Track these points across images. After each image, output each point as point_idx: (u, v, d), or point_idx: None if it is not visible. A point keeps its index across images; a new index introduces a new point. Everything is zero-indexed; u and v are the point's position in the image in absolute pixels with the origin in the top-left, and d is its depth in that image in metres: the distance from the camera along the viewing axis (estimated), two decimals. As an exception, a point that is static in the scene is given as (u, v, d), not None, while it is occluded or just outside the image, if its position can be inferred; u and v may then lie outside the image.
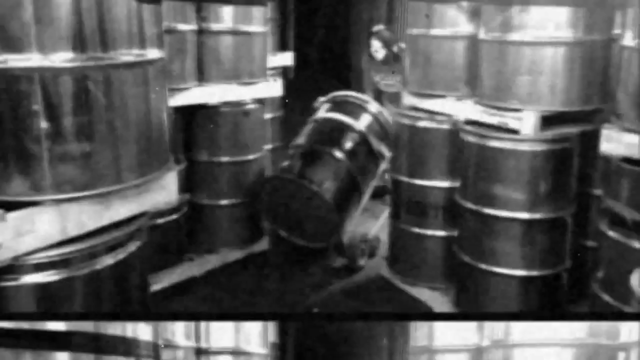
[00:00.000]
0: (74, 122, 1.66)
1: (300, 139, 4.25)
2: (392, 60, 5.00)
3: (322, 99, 4.44)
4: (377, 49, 4.86)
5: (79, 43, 1.65)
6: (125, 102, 1.77)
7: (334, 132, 4.18)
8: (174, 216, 3.96)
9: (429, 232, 3.74)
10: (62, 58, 1.65)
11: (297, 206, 4.00)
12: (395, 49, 5.07)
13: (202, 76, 4.00)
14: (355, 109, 4.28)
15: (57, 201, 1.69)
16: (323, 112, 4.39)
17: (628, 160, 2.58)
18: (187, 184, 4.09)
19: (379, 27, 5.09)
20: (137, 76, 1.80)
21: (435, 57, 3.61)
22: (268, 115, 5.41)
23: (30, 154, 1.65)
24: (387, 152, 4.03)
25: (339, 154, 4.01)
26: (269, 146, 5.29)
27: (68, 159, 1.68)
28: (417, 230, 3.78)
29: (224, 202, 4.32)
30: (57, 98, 1.65)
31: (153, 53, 1.87)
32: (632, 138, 2.55)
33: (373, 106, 4.34)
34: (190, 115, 4.08)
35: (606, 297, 2.63)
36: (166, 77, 2.01)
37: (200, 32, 3.92)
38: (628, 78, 2.59)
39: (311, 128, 4.29)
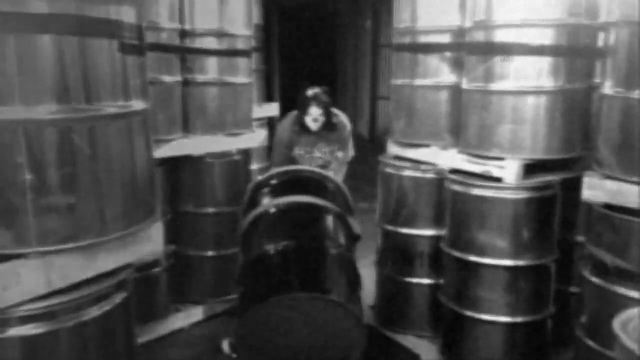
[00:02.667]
0: (58, 173, 1.65)
1: (259, 237, 3.13)
2: (328, 128, 3.89)
3: (260, 177, 3.57)
4: (317, 117, 3.77)
5: (62, 95, 1.66)
6: (110, 153, 1.78)
7: (313, 221, 3.18)
8: (159, 268, 3.92)
9: (415, 280, 3.73)
10: (46, 110, 1.66)
11: (302, 332, 2.69)
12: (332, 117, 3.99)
13: (187, 127, 4.03)
14: (314, 186, 3.41)
15: (42, 253, 1.67)
16: (275, 194, 3.35)
17: (609, 206, 2.62)
18: (172, 235, 4.08)
19: (315, 90, 3.83)
20: (122, 127, 1.81)
21: (419, 106, 3.67)
22: (254, 166, 5.44)
23: (15, 206, 1.63)
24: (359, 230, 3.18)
25: (333, 248, 3.01)
26: None
27: (53, 210, 1.67)
28: (403, 278, 3.77)
29: (209, 253, 4.29)
30: (41, 150, 1.65)
31: (137, 104, 1.89)
32: (613, 185, 2.60)
33: (331, 179, 3.52)
34: (175, 166, 4.09)
35: (590, 342, 2.62)
36: (151, 128, 2.01)
37: (186, 83, 3.98)
38: (608, 126, 2.66)
39: (274, 218, 3.17)
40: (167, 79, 3.76)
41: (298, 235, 3.04)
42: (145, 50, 1.95)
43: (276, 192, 3.36)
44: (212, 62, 4.05)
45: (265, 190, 3.42)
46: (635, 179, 2.51)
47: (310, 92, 3.84)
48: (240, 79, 4.21)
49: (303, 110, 3.83)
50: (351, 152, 4.14)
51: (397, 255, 3.81)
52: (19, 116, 1.63)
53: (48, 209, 1.66)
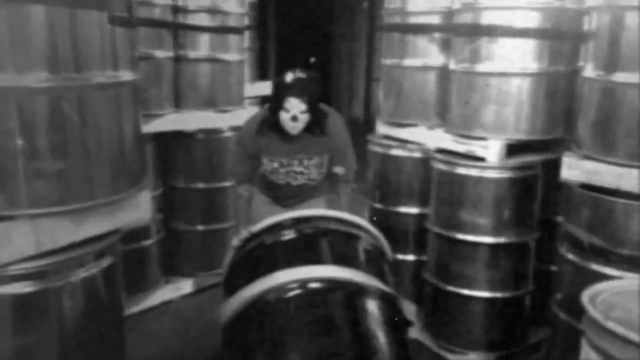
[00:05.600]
0: (48, 140, 1.72)
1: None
2: (315, 132, 2.79)
3: (252, 229, 2.54)
4: (297, 115, 2.63)
5: (53, 64, 1.72)
6: (98, 121, 1.84)
7: (349, 314, 2.17)
8: (151, 240, 3.99)
9: (400, 256, 3.81)
10: (36, 78, 1.71)
11: None
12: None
13: (178, 103, 4.07)
14: (335, 243, 2.51)
15: (32, 216, 1.74)
16: (272, 264, 2.32)
17: (587, 186, 2.70)
18: (163, 210, 4.15)
19: (296, 74, 2.67)
20: (110, 97, 1.87)
21: (407, 87, 3.73)
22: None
23: (6, 170, 1.70)
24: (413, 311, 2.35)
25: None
26: None
27: (43, 175, 1.73)
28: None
29: (199, 227, 4.36)
30: (32, 116, 1.71)
31: (126, 75, 1.95)
32: (591, 165, 2.67)
33: (365, 227, 2.65)
34: (166, 141, 4.14)
35: (565, 317, 2.72)
36: (139, 99, 2.07)
37: (177, 59, 4.01)
38: (587, 108, 2.72)
39: (288, 312, 2.15)
40: (159, 54, 3.80)
41: (329, 343, 1.98)
42: (134, 23, 2.00)
43: (274, 259, 2.36)
44: (204, 39, 4.08)
45: (255, 259, 2.46)
46: (611, 159, 2.58)
47: (289, 76, 2.64)
48: (232, 56, 4.25)
49: (277, 104, 2.65)
50: (354, 165, 2.99)
51: (383, 232, 3.89)
52: (10, 83, 1.68)
53: (38, 174, 1.73)
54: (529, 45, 3.08)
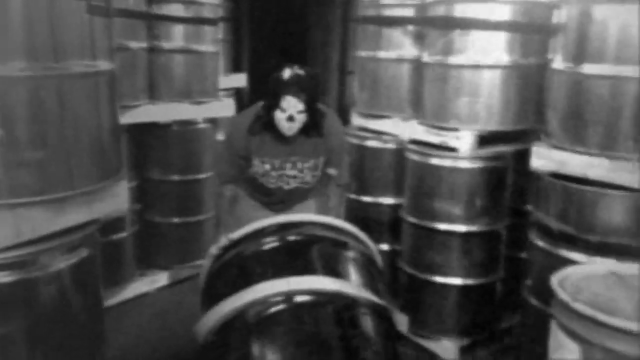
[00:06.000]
0: (27, 129, 1.73)
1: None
2: (311, 133, 2.64)
3: (231, 236, 2.31)
4: (294, 115, 2.48)
5: (31, 53, 1.71)
6: (77, 111, 1.84)
7: (342, 328, 2.00)
8: (125, 233, 3.98)
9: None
10: (15, 67, 1.71)
11: None
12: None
13: (153, 94, 4.05)
14: (338, 254, 2.32)
15: (12, 205, 1.74)
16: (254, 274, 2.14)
17: (556, 175, 2.79)
18: (139, 202, 4.13)
19: (294, 70, 2.52)
20: (88, 86, 1.88)
21: (381, 79, 3.77)
22: (221, 137, 5.48)
23: (-15, 160, 1.69)
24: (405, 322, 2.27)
25: None
26: None
27: (22, 165, 1.74)
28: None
29: (174, 220, 4.36)
30: (11, 106, 1.71)
31: (104, 64, 1.95)
32: (559, 155, 2.75)
33: (356, 237, 2.45)
34: (141, 133, 4.12)
35: (535, 302, 2.80)
36: (116, 89, 2.07)
37: (152, 50, 3.99)
38: (556, 99, 2.80)
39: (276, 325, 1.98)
40: (133, 45, 3.77)
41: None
42: (111, 12, 2.00)
43: (255, 270, 2.17)
44: (178, 30, 4.06)
45: (235, 269, 2.27)
46: (579, 149, 2.66)
47: (286, 73, 2.47)
48: (207, 47, 4.24)
49: (273, 102, 2.48)
50: (347, 169, 2.95)
51: (358, 223, 3.93)
52: (-13, 72, 1.68)
53: (18, 163, 1.73)
54: (500, 38, 3.15)
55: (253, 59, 8.31)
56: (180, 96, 4.15)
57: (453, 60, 3.23)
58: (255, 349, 1.88)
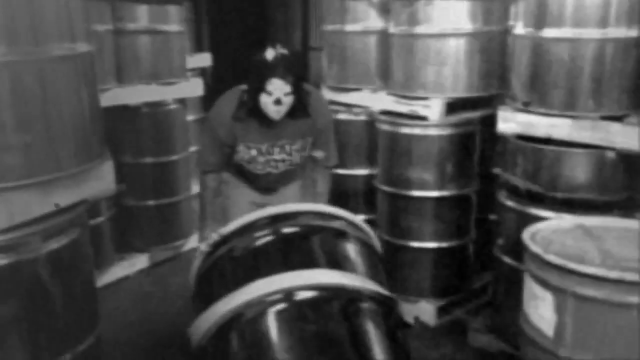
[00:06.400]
0: (12, 113, 1.74)
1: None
2: (297, 115, 2.50)
3: (222, 231, 2.20)
4: (281, 98, 2.35)
5: (12, 37, 1.72)
6: (59, 93, 1.87)
7: (346, 325, 1.89)
8: (102, 218, 3.98)
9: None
10: (-4, 52, 1.72)
11: None
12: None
13: (121, 77, 4.03)
14: (338, 244, 2.20)
15: (2, 189, 1.77)
16: (249, 271, 2.04)
17: (522, 137, 2.91)
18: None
19: (279, 50, 2.38)
20: (69, 68, 1.89)
21: (349, 52, 3.84)
22: (190, 117, 5.47)
23: (-26, 145, 1.71)
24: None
25: None
26: (192, 148, 5.31)
27: (10, 149, 1.76)
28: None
29: (150, 202, 4.37)
30: (-5, 90, 1.73)
31: (82, 47, 1.97)
32: (524, 117, 2.88)
33: (352, 223, 2.31)
34: (111, 116, 4.09)
35: (506, 260, 2.94)
36: (95, 70, 2.09)
37: (117, 32, 3.96)
38: (519, 63, 2.91)
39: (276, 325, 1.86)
40: (99, 28, 3.73)
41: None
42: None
43: (250, 266, 2.06)
44: (142, 10, 4.04)
45: (227, 267, 2.14)
46: (542, 110, 2.79)
47: (269, 54, 2.33)
48: (172, 27, 4.23)
49: (258, 86, 2.34)
50: (335, 150, 2.79)
51: (334, 195, 4.02)
52: (-30, 58, 1.68)
53: (5, 148, 1.75)
54: (463, 6, 3.25)
55: (214, 39, 8.23)
56: (148, 78, 4.14)
57: (418, 30, 3.32)
58: (255, 354, 1.77)
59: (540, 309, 2.13)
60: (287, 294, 1.82)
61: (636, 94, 2.66)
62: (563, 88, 2.73)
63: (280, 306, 1.82)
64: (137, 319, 3.64)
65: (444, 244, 3.49)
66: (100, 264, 4.00)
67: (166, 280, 4.21)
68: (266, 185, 2.75)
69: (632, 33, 2.61)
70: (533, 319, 2.18)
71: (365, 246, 2.23)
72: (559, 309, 2.06)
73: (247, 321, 1.81)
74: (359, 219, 2.35)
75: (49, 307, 1.92)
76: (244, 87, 2.48)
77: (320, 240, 2.14)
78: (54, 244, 1.90)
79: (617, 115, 2.66)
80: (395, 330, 1.99)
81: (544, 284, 2.11)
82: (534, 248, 2.16)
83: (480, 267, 3.69)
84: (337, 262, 2.08)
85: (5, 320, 1.83)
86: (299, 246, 2.11)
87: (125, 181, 4.24)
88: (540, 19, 2.76)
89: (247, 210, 2.47)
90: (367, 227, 2.34)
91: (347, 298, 1.88)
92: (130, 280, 4.18)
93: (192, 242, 4.62)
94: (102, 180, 2.07)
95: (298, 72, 2.42)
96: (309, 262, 2.00)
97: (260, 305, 1.81)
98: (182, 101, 4.47)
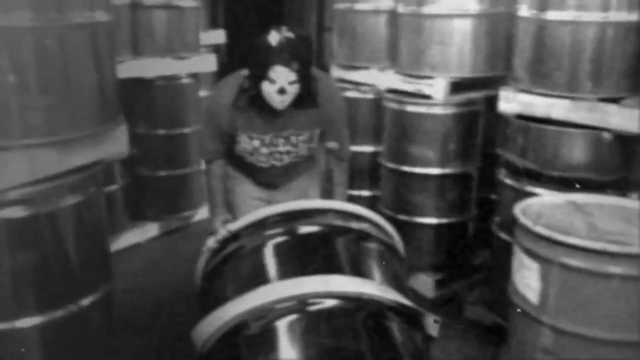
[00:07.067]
0: (36, 76, 1.88)
1: None
2: (304, 104, 2.28)
3: (231, 227, 2.13)
4: (285, 87, 2.14)
5: (36, 4, 1.85)
6: (78, 58, 2.00)
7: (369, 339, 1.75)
8: (116, 186, 4.13)
9: (356, 192, 4.05)
10: (22, 18, 1.85)
11: None
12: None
13: (136, 50, 4.14)
14: (357, 247, 2.03)
15: (25, 146, 1.92)
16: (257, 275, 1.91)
17: (522, 117, 3.00)
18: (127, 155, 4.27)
19: (284, 34, 2.12)
20: (88, 35, 2.03)
21: (359, 30, 3.93)
22: (203, 93, 5.60)
23: (2, 105, 1.86)
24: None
25: None
26: None
27: (33, 108, 1.90)
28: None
29: (162, 173, 4.51)
30: (21, 54, 1.86)
31: (102, 16, 2.09)
32: (525, 97, 2.96)
33: (374, 223, 2.17)
34: (126, 88, 4.21)
35: (503, 235, 3.05)
36: (113, 38, 2.23)
37: (133, 6, 4.07)
38: (522, 44, 2.99)
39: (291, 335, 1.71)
40: (117, 1, 3.84)
41: None
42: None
43: (260, 268, 1.90)
44: (158, -15, 4.14)
45: (236, 267, 2.00)
46: (543, 91, 2.87)
47: (273, 38, 2.10)
48: (187, 2, 4.33)
49: (260, 73, 2.14)
50: (348, 140, 2.63)
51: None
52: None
53: (29, 107, 1.89)
54: (470, -12, 3.32)
55: (229, 16, 8.29)
56: (163, 52, 4.25)
57: (426, 10, 3.40)
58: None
59: (527, 278, 2.24)
60: (300, 302, 1.65)
61: (634, 77, 2.73)
62: (563, 70, 2.80)
63: (291, 318, 1.65)
64: (147, 283, 3.81)
65: (444, 220, 3.60)
66: (114, 230, 4.14)
67: (176, 248, 4.37)
68: (270, 179, 2.56)
69: (633, 17, 2.67)
70: (520, 288, 2.30)
71: (388, 249, 2.06)
72: (544, 278, 2.17)
73: (253, 331, 1.66)
74: (381, 219, 2.16)
75: (65, 257, 2.08)
76: (244, 72, 2.26)
77: (339, 243, 1.95)
78: (71, 200, 2.05)
79: (614, 97, 2.74)
80: (419, 346, 1.80)
81: (532, 254, 2.22)
82: (524, 220, 2.27)
83: (480, 245, 3.80)
84: (358, 267, 1.90)
85: (25, 267, 1.98)
86: (314, 248, 1.92)
87: (138, 151, 4.41)
88: (544, 2, 2.83)
89: (253, 207, 2.40)
90: (390, 227, 2.18)
91: (367, 309, 1.69)
92: (142, 247, 4.34)
93: (202, 213, 4.78)
94: (117, 142, 2.20)
95: (305, 58, 2.15)
96: (326, 267, 1.81)
97: (270, 313, 1.65)
98: (195, 76, 4.58)
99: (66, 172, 2.03)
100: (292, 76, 2.12)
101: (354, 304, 1.69)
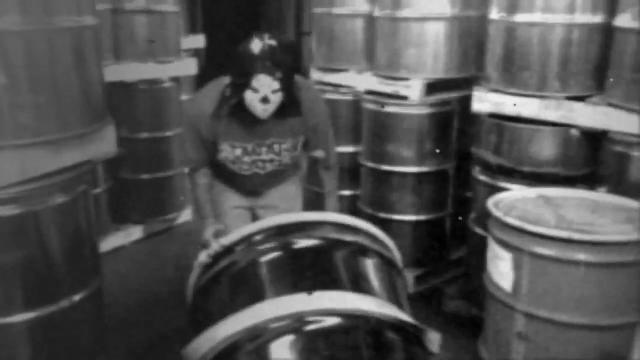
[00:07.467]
0: (26, 77, 1.96)
1: None
2: (287, 112, 2.26)
3: (224, 241, 2.05)
4: (268, 96, 2.12)
5: (25, 9, 1.92)
6: (66, 60, 2.07)
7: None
8: (100, 189, 4.17)
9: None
10: (11, 22, 1.92)
11: None
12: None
13: (118, 54, 4.20)
14: (355, 262, 1.99)
15: (17, 146, 1.99)
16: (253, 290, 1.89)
17: (494, 116, 3.12)
18: (108, 160, 4.31)
19: (266, 41, 2.09)
20: (75, 39, 2.10)
21: (337, 34, 4.03)
22: (184, 97, 5.65)
23: (-7, 106, 1.94)
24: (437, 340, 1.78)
25: None
26: None
27: (24, 109, 1.97)
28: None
29: (145, 176, 4.56)
30: (12, 56, 1.93)
31: (88, 20, 2.17)
32: (496, 97, 3.09)
33: (370, 235, 2.12)
34: (109, 92, 4.25)
35: (478, 230, 3.17)
36: (100, 42, 2.30)
37: (115, 11, 4.13)
38: (493, 47, 3.11)
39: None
40: (99, 7, 3.81)
41: None
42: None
43: (255, 285, 1.88)
44: (139, -10, 4.21)
45: (229, 284, 1.95)
46: (513, 91, 3.00)
47: (256, 46, 2.08)
48: (168, 7, 4.40)
49: (242, 82, 2.12)
50: (334, 147, 2.63)
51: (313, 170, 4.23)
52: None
53: (20, 108, 1.96)
54: (443, -9, 3.45)
55: (207, 21, 8.34)
56: (144, 56, 4.31)
57: (401, 14, 3.51)
58: None
59: (501, 268, 2.35)
60: (296, 321, 1.61)
61: (599, 76, 2.86)
62: (533, 70, 2.93)
63: (286, 339, 1.60)
64: (133, 283, 3.87)
65: (422, 217, 3.71)
66: (98, 233, 4.19)
67: (160, 250, 4.42)
68: (252, 187, 2.55)
69: (597, 19, 2.82)
70: (495, 277, 2.41)
71: (386, 262, 2.01)
72: (517, 267, 2.28)
73: (248, 351, 1.61)
74: (379, 230, 2.11)
75: (56, 254, 2.15)
76: (226, 80, 2.23)
77: (336, 257, 1.90)
78: (61, 199, 2.12)
79: (581, 95, 2.87)
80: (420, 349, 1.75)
81: (505, 244, 2.33)
82: (497, 213, 2.38)
83: (458, 242, 3.91)
84: (356, 282, 1.85)
85: (16, 264, 2.04)
86: (311, 263, 1.87)
87: (121, 155, 4.45)
88: (513, 5, 2.96)
89: (235, 217, 2.46)
90: (387, 238, 2.13)
91: (367, 327, 1.65)
92: (126, 250, 4.39)
93: (185, 215, 4.84)
94: (105, 142, 2.27)
95: (289, 66, 2.11)
96: (323, 282, 1.76)
97: (265, 332, 1.60)
98: (177, 80, 4.65)
99: (56, 171, 2.10)
100: (276, 85, 2.09)
101: (354, 321, 1.64)
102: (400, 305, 1.85)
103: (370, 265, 1.95)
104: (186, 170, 2.51)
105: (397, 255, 2.16)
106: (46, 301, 2.14)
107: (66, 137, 2.09)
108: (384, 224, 3.71)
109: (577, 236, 2.14)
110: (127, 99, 4.37)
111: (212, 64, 7.91)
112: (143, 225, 4.56)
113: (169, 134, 4.60)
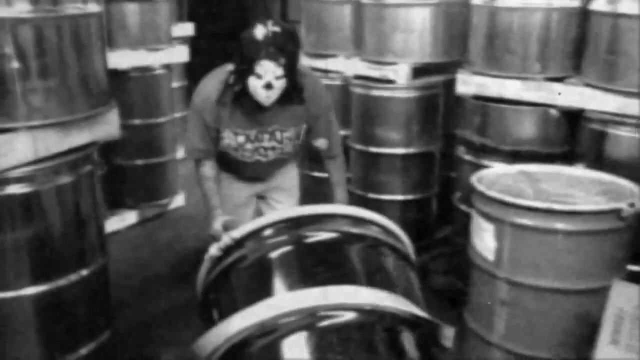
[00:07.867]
0: (37, 62, 2.07)
1: None
2: (290, 100, 2.29)
3: (234, 234, 2.00)
4: (272, 82, 2.14)
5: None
6: (73, 45, 2.18)
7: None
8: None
9: (326, 175, 4.27)
10: (22, 9, 2.02)
11: None
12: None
13: (110, 42, 4.26)
14: (368, 255, 1.97)
15: (29, 127, 2.11)
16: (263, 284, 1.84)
17: (477, 97, 3.26)
18: (103, 146, 4.40)
19: (270, 28, 2.11)
20: (81, 25, 2.20)
21: (325, 20, 4.15)
22: (174, 84, 5.73)
23: (7, 89, 2.04)
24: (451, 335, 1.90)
25: None
26: (178, 114, 5.41)
27: (35, 93, 2.08)
28: (317, 174, 4.32)
29: (138, 162, 4.66)
30: (23, 43, 2.04)
31: (93, 7, 2.28)
32: (479, 79, 3.23)
33: (382, 227, 2.11)
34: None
35: (463, 207, 3.32)
36: (104, 28, 2.41)
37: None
38: (476, 31, 3.26)
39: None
40: (90, -5, 3.97)
41: None
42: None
43: (266, 279, 1.83)
44: (130, -21, 4.28)
45: (240, 277, 1.93)
46: (495, 73, 3.15)
47: (259, 32, 2.10)
48: (159, -5, 4.48)
49: (246, 68, 2.13)
50: (338, 136, 2.64)
51: (311, 155, 4.36)
52: (2, 14, 2.00)
53: (32, 92, 2.07)
54: (425, -22, 3.58)
55: (193, 9, 8.37)
56: (136, 43, 4.39)
57: (388, 0, 3.63)
58: None
59: (484, 239, 2.50)
60: (308, 316, 1.60)
61: (576, 58, 3.02)
62: (513, 53, 3.08)
63: (299, 335, 1.59)
64: (129, 266, 3.98)
65: (409, 197, 3.86)
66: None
67: (154, 235, 4.54)
68: (255, 174, 2.59)
69: (575, 3, 2.97)
70: (478, 248, 2.56)
71: (400, 256, 2.00)
72: (499, 237, 2.43)
73: (260, 347, 1.60)
74: (391, 223, 2.09)
75: (65, 230, 2.27)
76: (230, 67, 2.24)
77: (350, 250, 1.88)
78: (70, 177, 2.24)
79: (560, 76, 3.03)
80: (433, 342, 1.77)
81: (487, 216, 2.48)
82: (479, 187, 2.53)
83: (443, 220, 4.07)
84: (370, 277, 1.82)
85: (27, 240, 2.16)
86: (323, 256, 1.85)
87: (115, 141, 4.52)
88: (495, -9, 3.10)
89: (242, 205, 2.55)
90: (400, 231, 2.11)
91: (381, 323, 1.66)
92: (121, 235, 4.49)
93: (179, 200, 4.96)
94: (110, 124, 2.40)
95: (292, 52, 2.13)
96: (336, 276, 1.74)
97: (277, 327, 1.60)
98: (168, 67, 4.73)
99: (65, 151, 2.22)
100: (279, 71, 2.10)
101: (368, 316, 1.64)
102: (415, 300, 1.82)
103: (384, 259, 1.93)
104: (186, 154, 2.51)
105: (410, 249, 2.13)
106: (55, 275, 2.27)
107: (74, 120, 2.21)
108: (371, 203, 3.88)
109: (554, 206, 2.29)
110: (119, 86, 4.41)
111: (198, 52, 7.98)
112: (137, 210, 4.66)
113: (161, 119, 4.70)
